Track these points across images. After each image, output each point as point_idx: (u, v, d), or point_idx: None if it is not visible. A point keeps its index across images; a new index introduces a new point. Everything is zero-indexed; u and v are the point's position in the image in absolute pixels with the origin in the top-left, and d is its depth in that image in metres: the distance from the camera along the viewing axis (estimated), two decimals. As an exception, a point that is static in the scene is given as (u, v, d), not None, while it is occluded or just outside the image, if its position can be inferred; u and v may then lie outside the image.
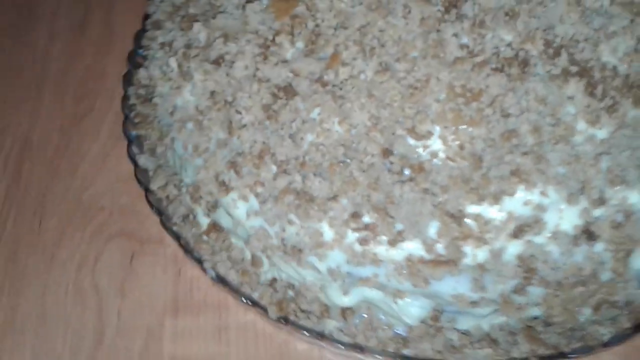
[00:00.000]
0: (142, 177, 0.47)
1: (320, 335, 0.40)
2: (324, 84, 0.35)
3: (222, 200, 0.39)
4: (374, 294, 0.38)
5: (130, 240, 0.48)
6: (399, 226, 0.34)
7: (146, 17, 0.51)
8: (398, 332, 0.40)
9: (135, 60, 0.51)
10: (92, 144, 0.55)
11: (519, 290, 0.34)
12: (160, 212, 0.45)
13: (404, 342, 0.40)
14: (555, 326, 0.39)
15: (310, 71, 0.36)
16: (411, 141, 0.34)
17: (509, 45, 0.34)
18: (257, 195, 0.37)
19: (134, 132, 0.49)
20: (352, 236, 0.35)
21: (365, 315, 0.41)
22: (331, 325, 0.40)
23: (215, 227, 0.44)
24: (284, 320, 0.40)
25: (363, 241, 0.34)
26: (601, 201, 0.33)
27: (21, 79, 0.60)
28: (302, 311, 0.41)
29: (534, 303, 0.35)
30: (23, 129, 0.56)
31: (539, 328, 0.39)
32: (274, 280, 0.42)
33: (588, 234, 0.33)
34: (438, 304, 0.38)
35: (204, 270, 0.42)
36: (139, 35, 0.52)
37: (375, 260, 0.35)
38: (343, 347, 0.39)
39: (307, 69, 0.36)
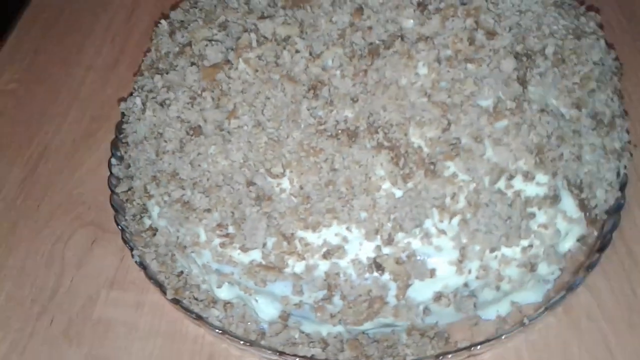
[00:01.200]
0: (113, 183, 0.62)
1: (201, 319, 0.52)
2: (221, 129, 0.49)
3: (147, 204, 0.54)
4: (238, 291, 0.50)
5: (96, 228, 0.63)
6: (246, 237, 0.46)
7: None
8: (262, 327, 0.52)
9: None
10: (92, 155, 0.71)
11: (326, 299, 0.46)
12: (116, 210, 0.60)
13: (262, 335, 0.51)
14: (377, 343, 0.50)
15: (215, 119, 0.50)
16: (268, 178, 0.47)
17: (346, 121, 0.47)
18: (164, 202, 0.50)
19: (120, 150, 0.65)
20: (217, 240, 0.48)
21: (240, 310, 0.53)
22: (214, 313, 0.53)
23: (152, 227, 0.58)
24: (177, 302, 0.53)
25: (223, 245, 0.47)
26: (390, 242, 0.44)
27: (58, 99, 0.78)
28: (195, 299, 0.54)
29: (338, 312, 0.46)
30: (48, 137, 0.73)
31: (364, 341, 0.50)
32: (181, 272, 0.55)
33: (377, 265, 0.44)
34: (286, 307, 0.50)
35: (133, 256, 0.56)
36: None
37: (231, 261, 0.47)
38: (216, 330, 0.52)
39: (212, 117, 0.50)
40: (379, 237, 0.45)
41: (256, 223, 0.46)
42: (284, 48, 0.50)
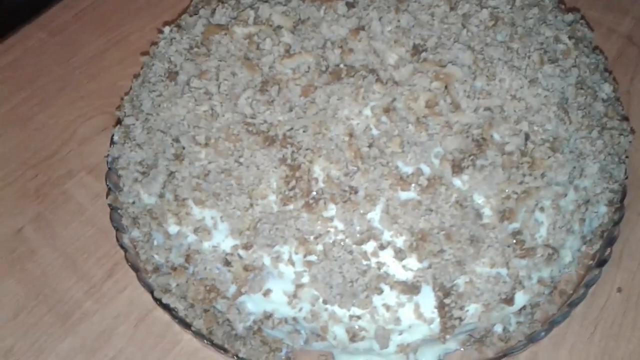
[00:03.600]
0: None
1: (118, 231, 0.58)
2: (188, 83, 0.53)
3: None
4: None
5: (113, 120, 0.71)
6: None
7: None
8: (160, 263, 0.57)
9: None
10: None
11: (183, 267, 0.49)
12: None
13: (156, 269, 0.56)
14: (230, 328, 0.52)
15: (188, 71, 0.53)
16: (191, 143, 0.50)
17: (271, 124, 0.48)
18: (123, 124, 0.57)
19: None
20: (135, 174, 0.53)
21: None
22: (134, 233, 0.58)
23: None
24: (111, 208, 0.59)
25: (135, 180, 0.53)
26: (247, 247, 0.46)
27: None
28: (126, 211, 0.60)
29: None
30: (134, 22, 0.82)
31: (220, 320, 0.52)
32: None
33: (226, 261, 0.47)
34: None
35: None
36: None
37: (137, 196, 0.53)
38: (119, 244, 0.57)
39: (188, 69, 0.53)
40: (240, 238, 0.46)
41: (158, 175, 0.50)
42: (270, 36, 0.52)
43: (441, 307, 0.44)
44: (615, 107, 0.54)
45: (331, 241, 0.45)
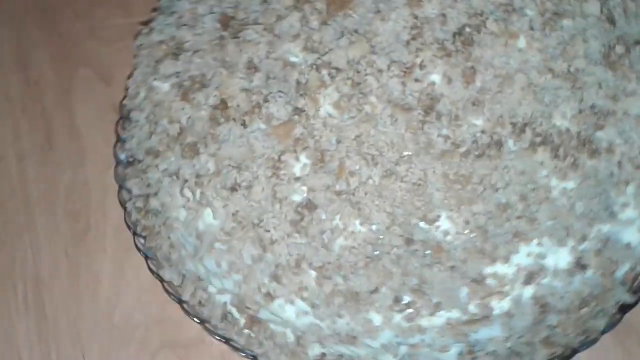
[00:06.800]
0: (171, 289, 0.51)
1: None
2: (338, 193, 0.41)
3: (268, 307, 0.45)
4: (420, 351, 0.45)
5: (174, 348, 0.53)
6: (435, 299, 0.40)
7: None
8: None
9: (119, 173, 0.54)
10: (102, 262, 0.57)
11: (537, 322, 0.42)
12: (200, 319, 0.49)
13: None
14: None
15: (323, 184, 0.41)
16: (425, 226, 0.40)
17: (483, 132, 0.41)
18: (304, 299, 0.42)
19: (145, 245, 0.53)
20: (397, 316, 0.41)
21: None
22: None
23: (253, 320, 0.49)
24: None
25: (409, 318, 0.41)
26: (583, 238, 0.41)
27: (4, 212, 0.61)
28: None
29: (552, 327, 0.43)
30: (29, 264, 0.58)
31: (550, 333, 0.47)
32: (323, 354, 0.48)
33: (580, 265, 0.41)
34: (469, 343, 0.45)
35: (258, 362, 0.47)
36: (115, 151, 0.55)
37: (421, 330, 0.41)
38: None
39: (320, 183, 0.41)
40: (571, 238, 0.41)
41: (445, 282, 0.40)
42: (364, 73, 0.42)
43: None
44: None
45: (635, 154, 0.42)
